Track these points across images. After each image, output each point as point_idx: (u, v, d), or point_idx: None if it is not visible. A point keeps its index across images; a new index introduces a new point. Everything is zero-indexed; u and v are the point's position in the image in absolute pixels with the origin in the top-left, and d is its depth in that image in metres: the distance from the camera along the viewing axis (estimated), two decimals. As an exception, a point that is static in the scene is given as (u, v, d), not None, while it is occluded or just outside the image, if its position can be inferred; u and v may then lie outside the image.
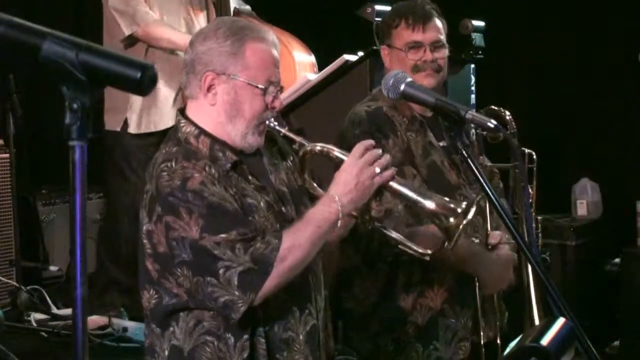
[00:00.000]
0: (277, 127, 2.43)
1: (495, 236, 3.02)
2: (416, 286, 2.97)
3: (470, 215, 2.33)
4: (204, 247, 2.24)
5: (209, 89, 2.39)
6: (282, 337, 2.38)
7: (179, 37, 4.31)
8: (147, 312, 2.42)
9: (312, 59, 4.58)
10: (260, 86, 2.38)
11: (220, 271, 2.24)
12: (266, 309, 2.35)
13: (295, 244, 2.27)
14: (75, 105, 1.31)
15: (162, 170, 2.32)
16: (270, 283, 2.25)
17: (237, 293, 2.24)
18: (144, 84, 1.32)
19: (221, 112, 2.40)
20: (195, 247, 2.25)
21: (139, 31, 4.31)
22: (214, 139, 2.39)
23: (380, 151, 2.38)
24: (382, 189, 2.37)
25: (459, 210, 2.33)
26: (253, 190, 2.38)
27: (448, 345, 2.97)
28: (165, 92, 4.41)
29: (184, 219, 2.26)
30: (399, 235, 2.55)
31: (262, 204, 2.37)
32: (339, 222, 2.32)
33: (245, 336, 2.34)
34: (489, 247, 3.03)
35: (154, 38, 4.31)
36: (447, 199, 2.42)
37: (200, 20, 4.56)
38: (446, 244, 2.39)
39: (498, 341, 3.05)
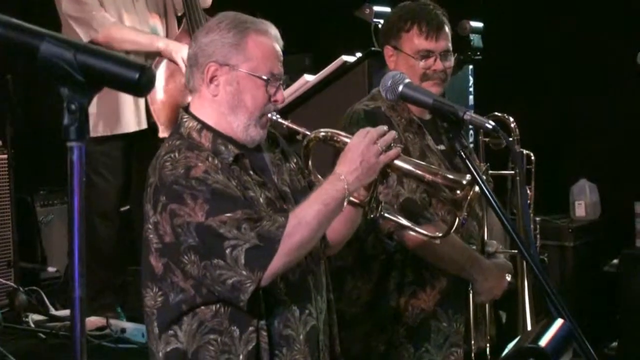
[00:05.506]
0: (280, 120, 2.43)
1: (492, 245, 3.04)
2: (409, 287, 2.95)
3: (477, 187, 2.34)
4: (210, 226, 2.23)
5: (211, 80, 2.40)
6: (283, 333, 2.37)
7: (142, 36, 4.26)
8: (152, 310, 2.39)
9: None
10: (263, 77, 2.38)
11: (227, 251, 2.22)
12: (267, 303, 2.34)
13: (302, 221, 2.25)
14: (73, 106, 1.32)
15: (165, 161, 2.33)
16: (278, 261, 2.23)
17: (244, 272, 2.22)
18: (142, 85, 1.32)
19: (223, 103, 2.40)
20: (201, 229, 2.24)
21: (99, 37, 4.21)
22: (216, 133, 2.40)
23: (385, 128, 2.37)
24: (387, 172, 2.37)
25: (464, 182, 2.34)
26: (254, 185, 2.38)
27: (439, 348, 2.95)
28: (127, 96, 4.29)
29: (189, 205, 2.25)
30: (407, 220, 2.56)
31: (261, 199, 2.37)
32: (345, 201, 2.30)
33: (251, 328, 2.33)
34: (486, 255, 3.04)
35: (115, 40, 4.22)
36: (451, 173, 2.44)
37: (158, 26, 4.47)
38: (456, 221, 2.40)
39: (488, 352, 3.05)
